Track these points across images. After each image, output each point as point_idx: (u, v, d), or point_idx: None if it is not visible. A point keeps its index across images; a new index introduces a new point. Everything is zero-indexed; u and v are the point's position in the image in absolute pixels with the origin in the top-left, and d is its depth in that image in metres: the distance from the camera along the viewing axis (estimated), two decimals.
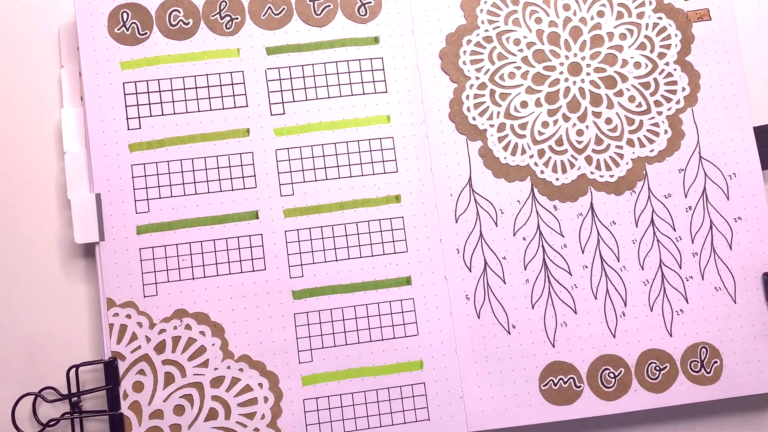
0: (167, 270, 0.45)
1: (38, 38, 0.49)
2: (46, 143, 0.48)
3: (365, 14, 0.48)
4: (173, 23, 0.47)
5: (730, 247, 0.47)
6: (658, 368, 0.46)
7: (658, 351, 0.47)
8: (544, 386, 0.46)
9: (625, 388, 0.46)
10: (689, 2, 0.49)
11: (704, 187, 0.48)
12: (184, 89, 0.47)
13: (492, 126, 0.48)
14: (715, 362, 0.47)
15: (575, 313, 0.47)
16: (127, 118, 0.46)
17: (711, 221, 0.48)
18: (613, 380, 0.46)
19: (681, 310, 0.47)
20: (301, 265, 0.46)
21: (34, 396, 0.44)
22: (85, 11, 0.47)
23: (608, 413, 0.46)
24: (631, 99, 0.48)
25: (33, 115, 0.48)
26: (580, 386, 0.46)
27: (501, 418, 0.46)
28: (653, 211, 0.48)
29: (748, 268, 0.47)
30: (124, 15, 0.47)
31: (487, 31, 0.48)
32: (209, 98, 0.47)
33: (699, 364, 0.47)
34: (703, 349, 0.47)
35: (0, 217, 0.47)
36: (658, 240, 0.47)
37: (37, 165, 0.48)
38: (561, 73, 0.48)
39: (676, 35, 0.49)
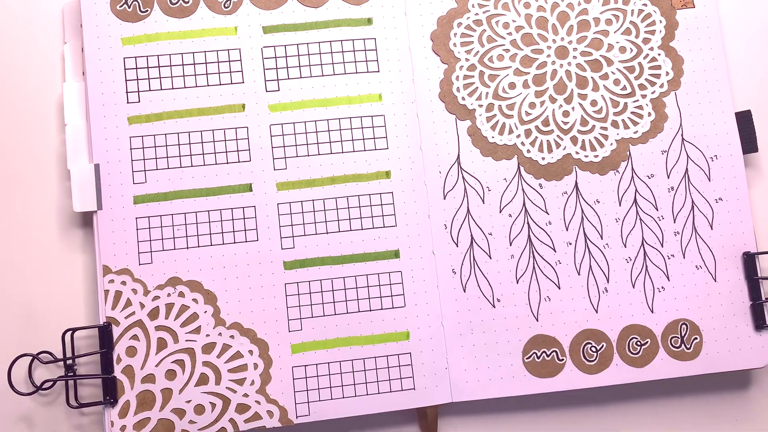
0: (162, 239, 0.47)
1: (43, 16, 0.50)
2: (48, 116, 0.50)
3: None
4: (173, 1, 0.49)
5: (711, 227, 0.49)
6: (639, 343, 0.48)
7: (640, 327, 0.48)
8: (527, 359, 0.47)
9: (606, 362, 0.47)
10: None
11: (686, 169, 0.49)
12: (183, 65, 0.48)
13: (480, 106, 0.49)
14: (695, 338, 0.48)
15: (559, 288, 0.48)
16: (127, 92, 0.48)
17: (693, 201, 0.49)
18: (595, 354, 0.47)
19: (662, 288, 0.48)
20: (293, 237, 0.47)
21: (30, 358, 0.45)
22: None
23: (590, 386, 0.47)
24: (616, 82, 0.50)
25: (37, 89, 0.50)
26: (563, 359, 0.47)
27: (485, 389, 0.47)
28: (636, 190, 0.49)
29: (729, 247, 0.48)
30: None
31: (477, 14, 0.50)
32: (207, 74, 0.48)
33: (679, 340, 0.48)
34: (684, 326, 0.48)
35: (2, 187, 0.49)
36: (640, 219, 0.49)
37: (40, 137, 0.49)
38: (548, 56, 0.50)
39: (660, 21, 0.50)
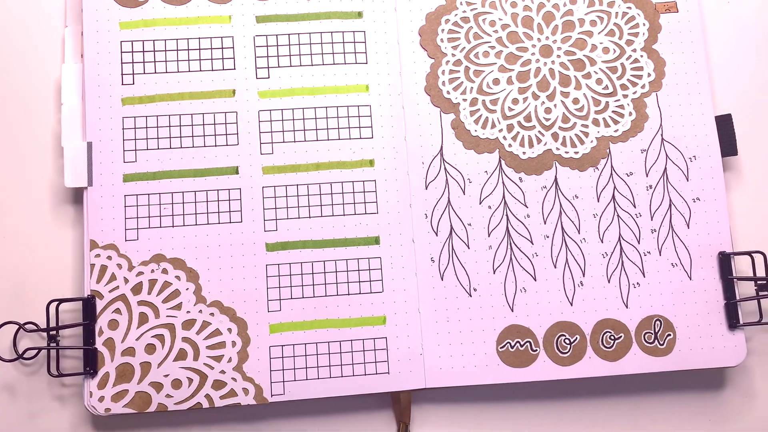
0: (149, 217, 0.48)
1: (45, 0, 0.52)
2: (47, 96, 0.51)
3: None
4: None
5: (688, 226, 0.49)
6: (612, 337, 0.48)
7: (614, 321, 0.48)
8: (501, 348, 0.48)
9: (579, 355, 0.48)
10: None
11: (665, 168, 0.50)
12: (177, 50, 0.50)
13: (465, 100, 0.50)
14: (669, 335, 0.48)
15: (535, 280, 0.49)
16: (122, 74, 0.49)
17: (670, 200, 0.50)
18: (569, 346, 0.48)
19: (637, 283, 0.49)
20: (276, 219, 0.49)
21: (17, 327, 0.47)
22: None
23: (562, 378, 0.48)
24: (599, 81, 0.51)
25: (37, 70, 0.52)
26: (536, 350, 0.48)
27: (458, 376, 0.47)
28: (615, 187, 0.50)
29: (705, 246, 0.49)
30: None
31: (464, 12, 0.51)
32: (200, 60, 0.50)
33: (653, 336, 0.48)
34: (657, 322, 0.48)
35: (2, 162, 0.51)
36: (618, 215, 0.49)
37: (38, 116, 0.51)
38: (533, 54, 0.51)
39: (644, 24, 0.52)
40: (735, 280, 0.49)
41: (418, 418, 0.49)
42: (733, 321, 0.48)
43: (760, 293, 0.49)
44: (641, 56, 0.51)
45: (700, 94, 0.51)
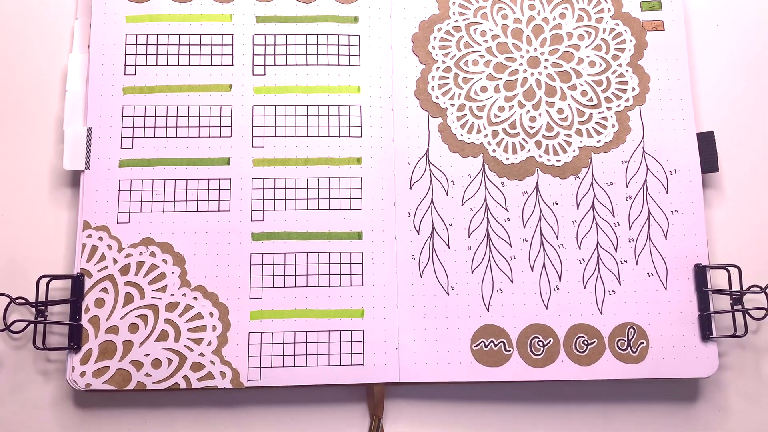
0: (141, 201, 0.50)
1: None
2: (53, 84, 0.54)
3: None
4: None
5: (666, 237, 0.50)
6: (586, 342, 0.49)
7: (588, 326, 0.49)
8: (475, 346, 0.49)
9: (552, 358, 0.49)
10: (645, 13, 0.54)
11: (645, 180, 0.51)
12: (179, 45, 0.52)
13: (453, 105, 0.52)
14: (642, 343, 0.49)
15: (512, 282, 0.50)
16: (125, 65, 0.52)
17: (649, 211, 0.51)
18: (542, 349, 0.49)
19: (613, 291, 0.50)
20: (263, 210, 0.50)
21: (8, 301, 0.48)
22: None
23: (534, 379, 0.48)
24: (584, 93, 0.52)
25: (47, 59, 0.54)
26: (510, 350, 0.49)
27: (431, 372, 0.48)
28: (595, 196, 0.51)
29: (681, 258, 0.50)
30: None
31: (457, 21, 0.53)
32: (200, 55, 0.52)
33: (626, 343, 0.49)
34: (631, 330, 0.49)
35: (3, 143, 0.53)
36: (597, 223, 0.50)
37: (43, 102, 0.53)
38: (521, 64, 0.53)
39: (630, 41, 0.53)
40: (710, 292, 0.49)
41: (391, 413, 0.50)
42: (706, 333, 0.49)
43: (735, 307, 0.49)
44: (626, 71, 0.53)
45: (682, 110, 0.52)
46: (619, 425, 0.50)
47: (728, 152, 0.54)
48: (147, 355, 0.48)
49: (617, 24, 0.53)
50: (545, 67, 0.53)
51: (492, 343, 0.49)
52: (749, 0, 0.57)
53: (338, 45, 0.53)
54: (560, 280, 0.50)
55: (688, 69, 0.53)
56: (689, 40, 0.55)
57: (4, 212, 0.52)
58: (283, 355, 0.48)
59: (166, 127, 0.51)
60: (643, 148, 0.52)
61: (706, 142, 0.52)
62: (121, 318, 0.48)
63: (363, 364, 0.48)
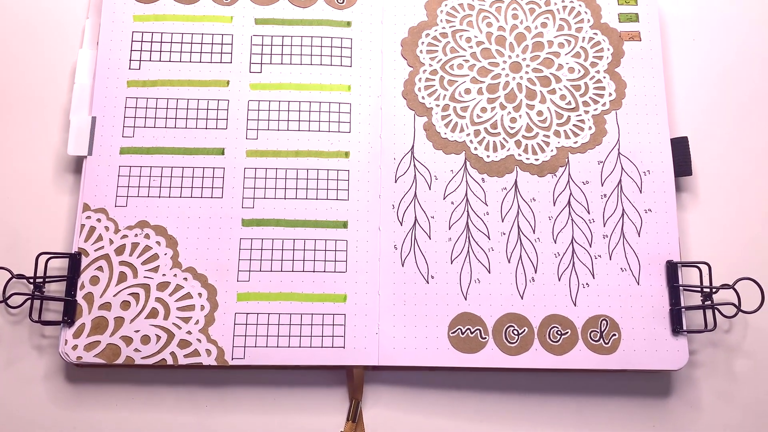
0: (139, 186, 0.53)
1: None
2: (63, 77, 0.57)
3: (343, 3, 0.57)
4: None
5: (639, 234, 0.52)
6: (559, 332, 0.51)
7: (561, 317, 0.51)
8: (452, 333, 0.51)
9: (526, 346, 0.50)
10: (623, 24, 0.57)
11: (620, 179, 0.53)
12: (182, 43, 0.56)
13: (438, 106, 0.55)
14: (614, 335, 0.51)
15: (489, 272, 0.52)
16: (130, 60, 0.55)
17: (623, 209, 0.53)
18: (517, 337, 0.50)
19: (587, 284, 0.51)
20: (254, 198, 0.53)
21: (9, 276, 0.50)
22: None
23: (509, 366, 0.50)
24: (562, 97, 0.55)
25: (58, 54, 0.58)
26: (486, 338, 0.50)
27: (409, 356, 0.50)
28: (571, 193, 0.53)
29: (654, 255, 0.52)
30: None
31: (444, 28, 0.56)
32: (200, 53, 0.55)
33: (598, 334, 0.51)
34: (604, 322, 0.51)
35: (13, 129, 0.56)
36: (572, 219, 0.53)
37: (51, 93, 0.57)
38: (503, 69, 0.56)
39: (608, 49, 0.56)
40: (681, 288, 0.51)
41: (370, 398, 0.52)
42: (676, 327, 0.50)
43: (705, 303, 0.51)
44: (604, 77, 0.55)
45: (657, 115, 0.55)
46: (592, 418, 0.52)
47: (702, 157, 0.56)
48: (137, 331, 0.50)
49: (596, 33, 0.56)
50: (526, 72, 0.55)
51: (468, 331, 0.51)
52: (724, 14, 0.60)
53: (331, 47, 0.56)
54: (536, 272, 0.52)
55: (662, 77, 0.55)
56: (666, 50, 0.58)
57: (10, 194, 0.54)
58: (267, 336, 0.50)
59: (166, 118, 0.54)
60: (619, 149, 0.54)
61: (681, 147, 0.54)
62: (114, 295, 0.50)
63: (344, 347, 0.50)
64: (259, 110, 0.54)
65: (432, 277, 0.52)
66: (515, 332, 0.51)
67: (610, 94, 0.55)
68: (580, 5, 0.57)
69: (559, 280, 0.51)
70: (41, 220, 0.54)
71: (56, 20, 0.58)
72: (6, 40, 0.58)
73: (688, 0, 0.60)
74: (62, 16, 0.59)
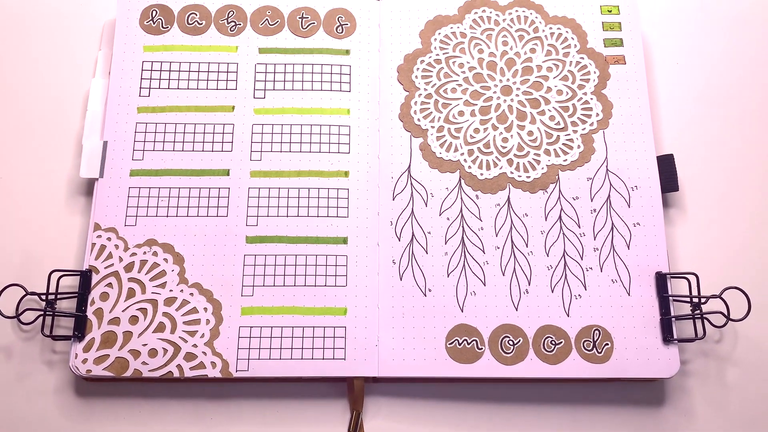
0: (147, 207, 0.55)
1: (86, 29, 0.62)
2: (76, 105, 0.60)
3: (342, 32, 0.60)
4: (190, 23, 0.60)
5: (628, 247, 0.54)
6: (553, 342, 0.52)
7: (555, 327, 0.52)
8: (449, 344, 0.52)
9: (521, 356, 0.52)
10: (608, 48, 0.60)
11: (609, 195, 0.56)
12: (189, 71, 0.59)
13: (433, 127, 0.58)
14: (606, 344, 0.52)
15: (484, 285, 0.53)
16: (140, 87, 0.58)
17: (612, 223, 0.55)
18: (512, 347, 0.52)
19: (579, 295, 0.53)
20: (257, 216, 0.55)
21: (23, 293, 0.52)
22: (124, 7, 0.60)
23: (504, 376, 0.51)
24: (552, 118, 0.58)
25: (71, 83, 0.61)
26: (482, 348, 0.52)
27: (408, 367, 0.52)
28: (561, 209, 0.55)
29: (643, 267, 0.54)
30: (153, 12, 0.60)
31: (437, 54, 0.59)
32: (207, 80, 0.58)
33: (591, 344, 0.52)
34: (596, 332, 0.52)
35: (30, 154, 0.59)
36: (564, 234, 0.55)
37: (66, 120, 0.59)
38: (494, 92, 0.58)
39: (594, 72, 0.59)
40: (670, 298, 0.53)
41: (370, 409, 0.53)
42: (667, 336, 0.52)
43: (694, 312, 0.52)
44: (591, 98, 0.58)
45: (643, 134, 0.57)
46: (588, 427, 0.53)
47: (688, 173, 0.58)
48: (144, 345, 0.51)
49: (582, 58, 0.59)
50: (516, 95, 0.58)
51: (465, 342, 0.52)
52: (707, 38, 0.63)
53: (331, 73, 0.59)
54: (529, 284, 0.53)
55: (647, 98, 0.58)
56: (651, 72, 0.61)
57: (25, 214, 0.57)
58: (270, 348, 0.52)
59: (174, 141, 0.57)
60: (607, 166, 0.56)
61: (667, 164, 0.57)
62: (123, 310, 0.52)
63: (344, 359, 0.52)
64: (262, 133, 0.57)
65: (429, 290, 0.53)
66: (511, 342, 0.52)
67: (597, 114, 0.58)
68: (567, 31, 0.60)
69: (552, 291, 0.53)
70: (54, 239, 0.56)
71: (70, 52, 0.62)
72: (24, 70, 0.61)
73: (670, 26, 0.63)
74: (76, 48, 0.62)
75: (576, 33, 0.60)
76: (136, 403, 0.53)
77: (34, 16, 0.63)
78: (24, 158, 0.59)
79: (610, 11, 0.61)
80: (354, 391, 0.52)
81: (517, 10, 0.61)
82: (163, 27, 0.60)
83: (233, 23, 0.60)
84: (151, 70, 0.59)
